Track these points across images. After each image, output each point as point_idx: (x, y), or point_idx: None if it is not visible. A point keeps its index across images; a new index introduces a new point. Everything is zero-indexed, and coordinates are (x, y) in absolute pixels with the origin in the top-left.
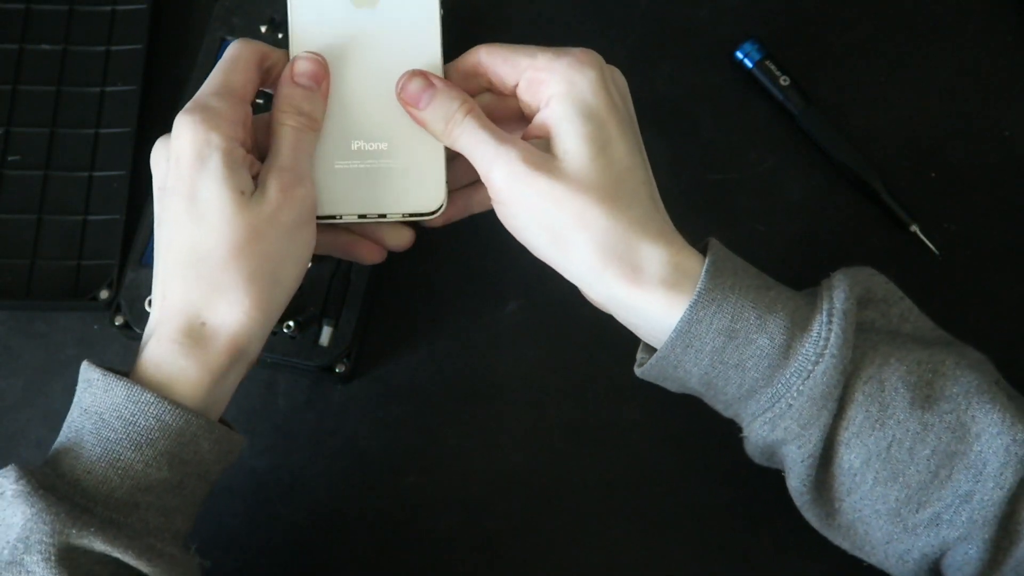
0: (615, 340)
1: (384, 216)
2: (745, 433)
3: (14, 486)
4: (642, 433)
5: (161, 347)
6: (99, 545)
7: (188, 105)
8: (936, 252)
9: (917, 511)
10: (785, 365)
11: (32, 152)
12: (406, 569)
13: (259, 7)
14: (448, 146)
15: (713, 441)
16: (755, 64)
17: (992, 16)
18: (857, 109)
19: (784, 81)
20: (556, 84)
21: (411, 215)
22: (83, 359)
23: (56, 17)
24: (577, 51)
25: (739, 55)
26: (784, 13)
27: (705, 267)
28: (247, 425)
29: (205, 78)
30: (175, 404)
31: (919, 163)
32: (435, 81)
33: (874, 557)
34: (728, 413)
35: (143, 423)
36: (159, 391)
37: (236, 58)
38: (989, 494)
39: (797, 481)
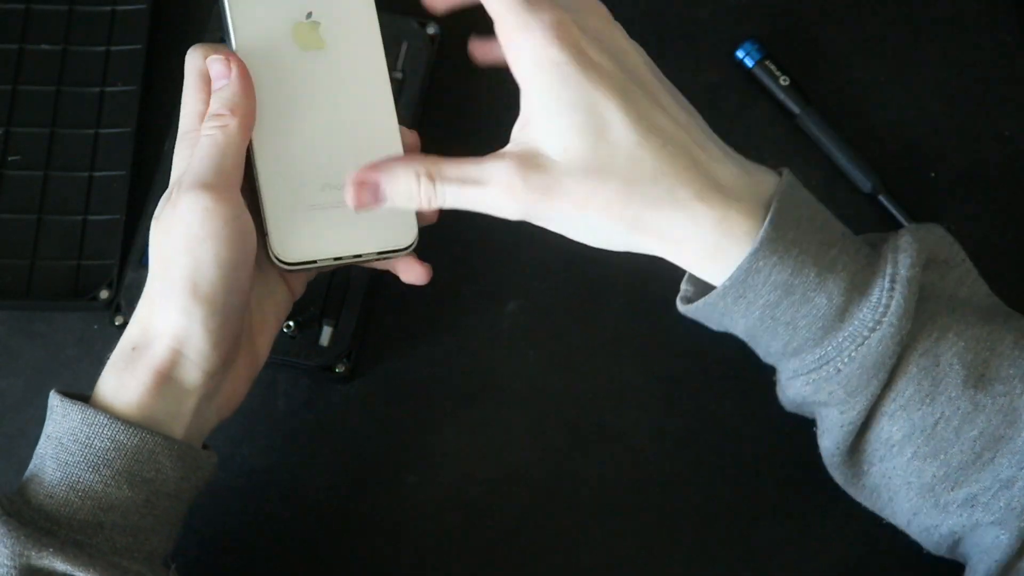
0: (616, 340)
1: (360, 256)
2: (782, 383)
3: None
4: (642, 433)
5: (107, 369)
6: (60, 565)
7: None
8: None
9: (952, 489)
10: (839, 328)
11: (32, 152)
12: (406, 569)
13: None
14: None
15: (713, 441)
16: (755, 64)
17: (992, 16)
18: (857, 109)
19: (784, 81)
20: (524, 66)
21: (385, 253)
22: (83, 359)
23: (56, 17)
24: (535, 11)
25: (739, 55)
26: (784, 13)
27: (769, 217)
28: (247, 425)
29: None
30: (129, 423)
31: (919, 163)
32: (378, 175)
33: (896, 520)
34: (767, 360)
35: (98, 444)
36: (110, 411)
37: (189, 82)
38: None
39: (831, 443)
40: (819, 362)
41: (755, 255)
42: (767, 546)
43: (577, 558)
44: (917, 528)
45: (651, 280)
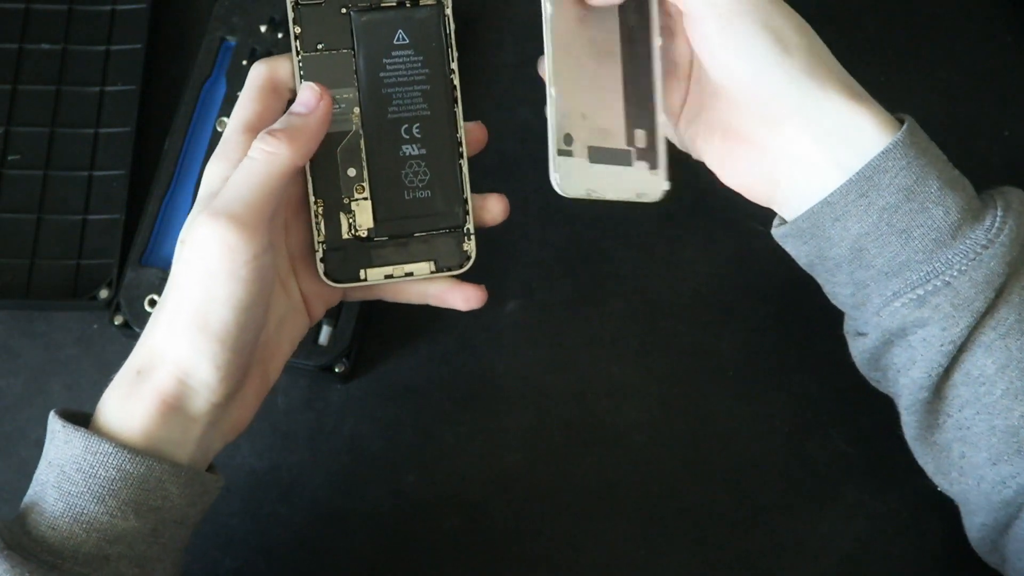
0: (615, 340)
1: (411, 274)
2: (865, 328)
3: None
4: (642, 433)
5: (110, 392)
6: None
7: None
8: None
9: None
10: (951, 244)
11: (32, 152)
12: (406, 569)
13: (259, 7)
14: None
15: (713, 442)
16: None
17: (992, 16)
18: None
19: None
20: None
21: (438, 271)
22: (83, 358)
23: (56, 17)
24: None
25: None
26: None
27: (907, 122)
28: None
29: (204, 78)
30: (134, 451)
31: None
32: None
33: (961, 482)
34: (854, 299)
35: (103, 474)
36: (116, 438)
37: (247, 90)
38: None
39: (923, 372)
40: (927, 276)
41: (887, 153)
42: (767, 546)
43: (576, 558)
44: (990, 483)
45: (651, 280)
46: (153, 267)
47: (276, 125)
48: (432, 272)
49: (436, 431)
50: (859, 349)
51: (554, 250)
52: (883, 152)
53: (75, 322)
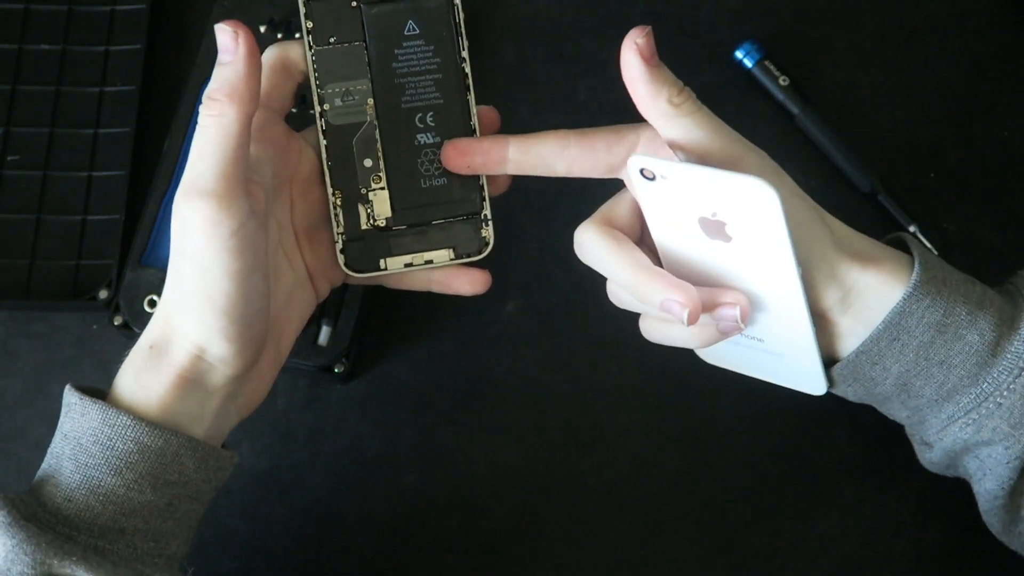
0: (615, 341)
1: (431, 262)
2: (929, 440)
3: None
4: (642, 433)
5: (125, 368)
6: (82, 574)
7: None
8: (935, 253)
9: None
10: (993, 363)
11: (31, 152)
12: (405, 569)
13: (258, 7)
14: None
15: (712, 441)
16: (755, 64)
17: (992, 16)
18: (856, 109)
19: (783, 81)
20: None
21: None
22: (82, 359)
23: (55, 17)
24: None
25: (739, 55)
26: (784, 13)
27: (918, 259)
28: (245, 425)
29: (204, 78)
30: (152, 424)
31: (918, 163)
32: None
33: None
34: (911, 420)
35: (121, 446)
36: (133, 411)
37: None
38: None
39: (996, 484)
40: (977, 400)
41: (908, 299)
42: (767, 546)
43: (575, 558)
44: None
45: None
46: (153, 267)
47: (211, 85)
48: (451, 259)
49: (436, 431)
50: (926, 458)
51: (554, 250)
52: (903, 299)
53: (75, 322)
